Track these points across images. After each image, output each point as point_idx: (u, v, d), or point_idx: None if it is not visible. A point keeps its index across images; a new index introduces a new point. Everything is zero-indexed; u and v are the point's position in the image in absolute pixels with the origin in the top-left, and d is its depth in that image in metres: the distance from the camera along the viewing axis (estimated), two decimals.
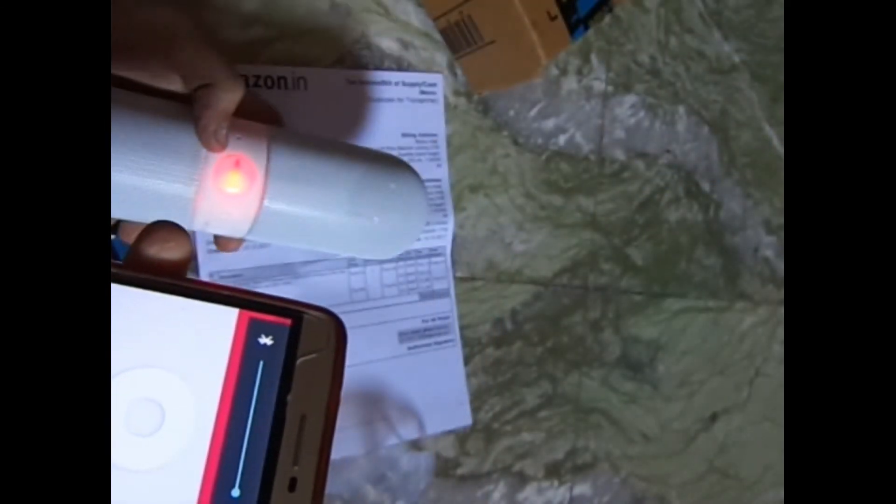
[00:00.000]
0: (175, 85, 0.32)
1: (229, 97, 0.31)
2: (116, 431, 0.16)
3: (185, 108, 0.31)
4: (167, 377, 0.16)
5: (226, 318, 0.17)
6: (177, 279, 0.17)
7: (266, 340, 0.17)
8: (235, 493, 0.16)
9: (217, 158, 0.31)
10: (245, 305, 0.17)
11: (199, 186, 0.30)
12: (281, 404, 0.17)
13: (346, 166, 0.34)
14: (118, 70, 0.31)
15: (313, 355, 0.18)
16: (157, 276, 0.17)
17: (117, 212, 0.30)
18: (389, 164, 0.36)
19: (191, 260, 0.18)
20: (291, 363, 0.17)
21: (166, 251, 0.17)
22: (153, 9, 0.31)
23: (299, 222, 0.33)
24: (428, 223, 0.48)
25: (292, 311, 0.18)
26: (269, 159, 0.32)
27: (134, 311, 0.16)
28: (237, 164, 0.31)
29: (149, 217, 0.21)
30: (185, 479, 0.16)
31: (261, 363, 0.17)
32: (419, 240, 0.47)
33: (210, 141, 0.30)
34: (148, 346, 0.16)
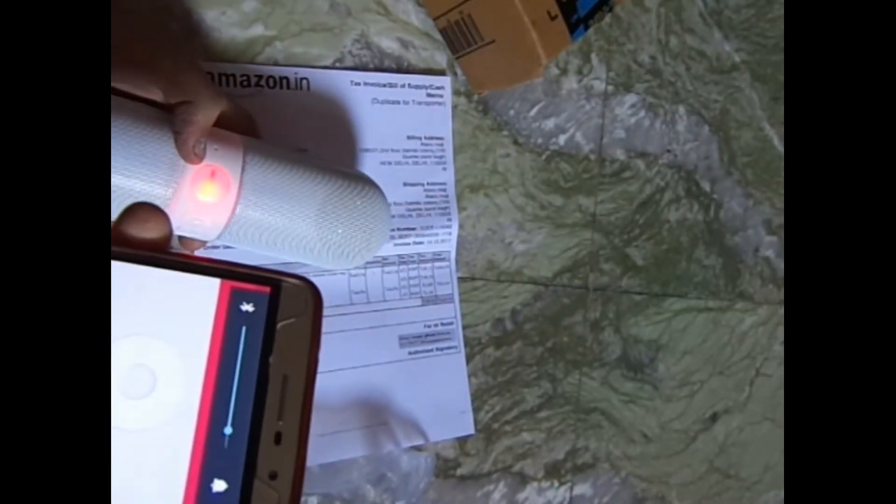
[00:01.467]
0: (157, 95, 0.33)
1: (208, 115, 0.32)
2: (113, 396, 0.17)
3: (165, 117, 0.32)
4: (157, 344, 0.18)
5: (209, 288, 0.18)
6: (160, 253, 0.18)
7: (247, 307, 0.19)
8: (225, 446, 0.17)
9: (193, 168, 0.32)
10: (226, 275, 0.19)
11: (175, 192, 0.32)
12: (264, 366, 0.18)
13: (316, 181, 0.36)
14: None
15: (292, 319, 0.19)
16: (142, 251, 0.18)
17: None
18: (357, 181, 0.38)
19: (170, 238, 0.19)
20: (272, 328, 0.19)
21: (147, 231, 0.18)
22: (136, 24, 0.32)
23: (267, 232, 0.35)
24: (431, 227, 0.48)
25: (271, 279, 0.19)
26: (243, 171, 0.34)
27: (123, 285, 0.17)
28: (213, 174, 0.33)
29: None
30: (178, 436, 0.17)
31: (243, 329, 0.18)
32: (421, 243, 0.47)
33: (189, 155, 0.32)
34: (138, 317, 0.18)
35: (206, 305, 0.18)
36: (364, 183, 0.38)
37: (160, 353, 0.18)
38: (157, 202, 0.31)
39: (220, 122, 0.34)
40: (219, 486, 0.17)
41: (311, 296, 0.19)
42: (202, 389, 0.18)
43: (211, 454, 0.17)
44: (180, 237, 0.36)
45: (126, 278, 0.18)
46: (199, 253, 0.39)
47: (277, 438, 0.18)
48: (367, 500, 0.47)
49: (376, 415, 0.46)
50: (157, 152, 0.31)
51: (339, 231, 0.36)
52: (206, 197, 0.33)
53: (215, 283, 0.19)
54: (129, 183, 0.31)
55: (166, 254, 0.18)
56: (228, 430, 0.18)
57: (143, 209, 0.18)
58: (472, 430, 0.49)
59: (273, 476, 0.18)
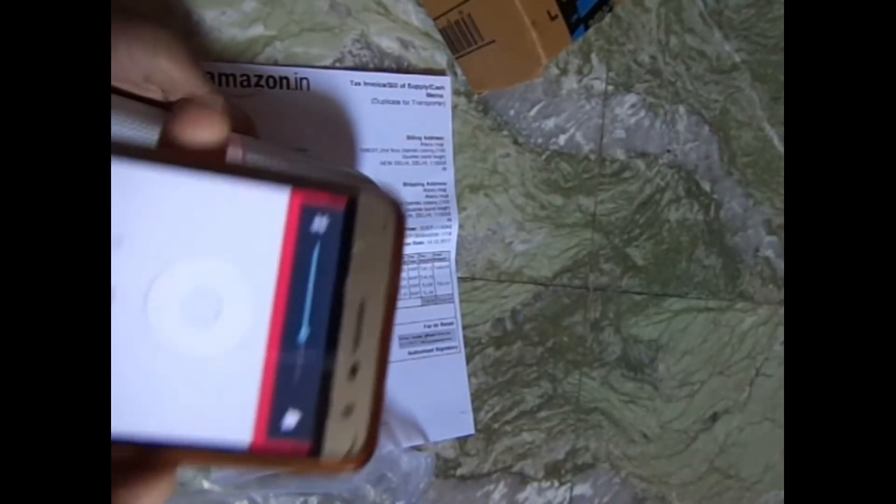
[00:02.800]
0: (156, 94, 0.33)
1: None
2: (174, 321, 0.16)
3: (162, 114, 0.32)
4: (220, 265, 0.16)
5: (276, 202, 0.16)
6: (217, 161, 0.16)
7: (320, 224, 0.17)
8: (297, 378, 0.16)
9: None
10: (296, 187, 0.16)
11: None
12: (339, 290, 0.17)
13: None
14: None
15: (371, 238, 0.17)
16: (197, 160, 0.16)
17: None
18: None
19: (227, 143, 0.17)
20: (348, 247, 0.17)
21: (199, 133, 0.16)
22: (134, 23, 0.32)
23: None
24: (431, 227, 0.48)
25: (347, 191, 0.17)
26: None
27: (178, 198, 0.16)
28: None
29: None
30: (247, 365, 0.16)
31: (316, 248, 0.17)
32: (421, 243, 0.47)
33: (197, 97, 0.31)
34: (198, 235, 0.16)
35: (274, 222, 0.16)
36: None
37: (225, 274, 0.16)
38: None
39: None
40: (290, 420, 0.16)
41: (393, 211, 0.17)
42: (272, 315, 0.16)
43: (282, 386, 0.16)
44: None
45: (179, 190, 0.16)
46: None
47: (354, 370, 0.16)
48: (367, 500, 0.47)
49: None
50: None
51: None
52: None
53: (284, 196, 0.16)
54: None
55: (224, 162, 0.16)
56: (301, 359, 0.16)
57: (194, 106, 0.16)
58: (472, 431, 0.49)
59: (349, 410, 0.16)
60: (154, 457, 0.15)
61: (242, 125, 0.37)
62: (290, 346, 0.16)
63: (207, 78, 0.34)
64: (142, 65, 0.32)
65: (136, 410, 0.15)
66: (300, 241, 0.16)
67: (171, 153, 0.16)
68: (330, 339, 0.16)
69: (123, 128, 0.31)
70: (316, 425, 0.16)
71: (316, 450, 0.16)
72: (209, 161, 0.16)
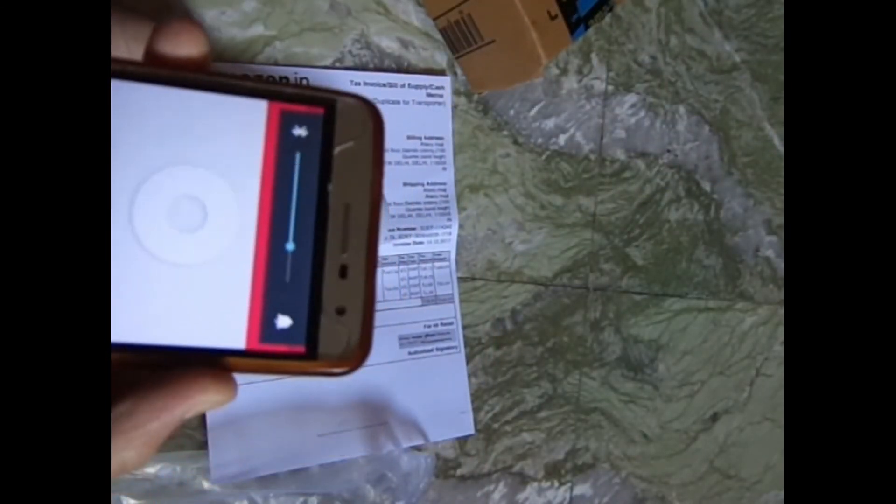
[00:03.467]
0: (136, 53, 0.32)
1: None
2: (160, 228, 0.16)
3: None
4: (204, 173, 0.16)
5: (256, 111, 0.17)
6: (198, 73, 0.17)
7: (300, 131, 0.17)
8: (287, 280, 0.16)
9: None
10: (274, 97, 0.17)
11: None
12: (323, 194, 0.17)
13: None
14: None
15: (350, 143, 0.17)
16: (179, 73, 0.16)
17: None
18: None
19: (209, 56, 0.17)
20: (329, 152, 0.17)
21: (181, 47, 0.16)
22: (133, 19, 0.32)
23: None
24: (431, 227, 0.48)
25: (324, 98, 0.17)
26: None
27: (159, 109, 0.16)
28: None
29: None
30: (236, 270, 0.16)
31: (297, 154, 0.17)
32: (421, 243, 0.47)
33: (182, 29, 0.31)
34: (180, 144, 0.16)
35: (255, 130, 0.17)
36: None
37: (208, 182, 0.16)
38: None
39: None
40: (283, 321, 0.16)
41: (370, 115, 0.18)
42: (257, 220, 0.16)
43: (272, 288, 0.16)
44: None
45: (161, 102, 0.16)
46: None
47: (343, 272, 0.17)
48: (367, 500, 0.47)
49: (376, 415, 0.46)
50: None
51: None
52: None
53: (262, 104, 0.17)
54: None
55: (205, 73, 0.17)
56: (289, 262, 0.16)
57: (176, 22, 0.16)
58: (472, 431, 0.49)
59: (341, 311, 0.17)
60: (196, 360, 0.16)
61: None
62: (277, 250, 0.16)
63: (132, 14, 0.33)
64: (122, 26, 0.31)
65: (128, 318, 0.15)
66: (281, 148, 0.17)
67: (154, 67, 0.16)
68: (317, 243, 0.17)
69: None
70: (309, 327, 0.16)
71: (311, 351, 0.16)
72: (191, 74, 0.16)
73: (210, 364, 0.16)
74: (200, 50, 0.16)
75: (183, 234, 0.16)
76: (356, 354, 0.17)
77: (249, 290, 0.16)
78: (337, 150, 0.17)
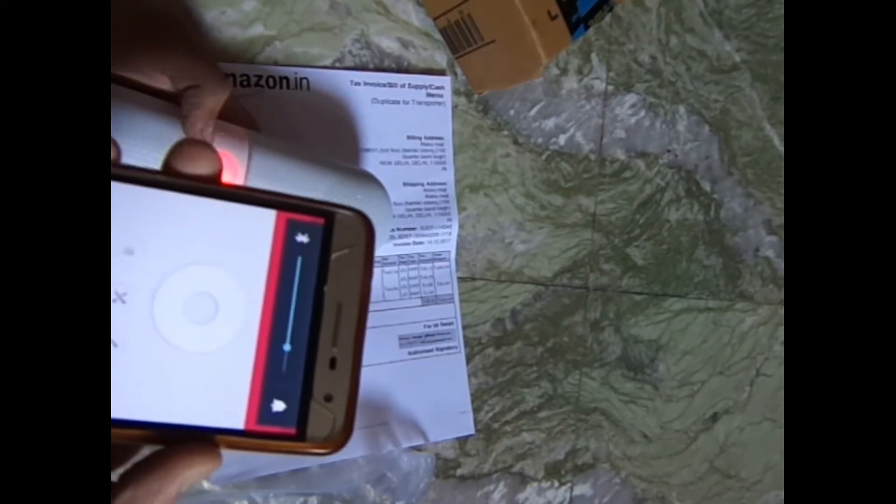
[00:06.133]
0: (164, 84, 0.33)
1: (216, 98, 0.33)
2: (177, 320, 0.18)
3: (172, 106, 0.33)
4: (218, 273, 0.18)
5: (266, 219, 0.19)
6: (215, 186, 0.19)
7: (303, 238, 0.19)
8: (283, 370, 0.18)
9: None
10: (282, 207, 0.19)
11: None
12: (319, 294, 0.19)
13: (319, 173, 0.36)
14: (113, 69, 0.32)
15: (345, 250, 0.20)
16: (196, 186, 0.18)
17: None
18: (359, 176, 0.38)
19: (221, 172, 0.19)
20: (326, 257, 0.19)
21: (198, 166, 0.18)
22: (144, 12, 0.32)
23: None
24: (431, 227, 0.48)
25: (325, 210, 0.20)
26: (250, 158, 0.34)
27: (183, 215, 0.18)
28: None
29: None
30: (240, 359, 0.18)
31: (299, 258, 0.19)
32: (421, 243, 0.47)
33: (197, 137, 0.32)
34: (200, 247, 0.18)
35: (264, 236, 0.19)
36: (365, 177, 0.39)
37: (221, 280, 0.18)
38: None
39: (222, 117, 0.35)
40: (278, 405, 0.18)
41: (363, 227, 0.20)
42: (261, 315, 0.18)
43: (270, 376, 0.18)
44: None
45: (186, 209, 0.18)
46: None
47: (332, 363, 0.19)
48: (367, 500, 0.47)
49: (376, 415, 0.46)
50: (163, 139, 0.31)
51: None
52: None
53: (271, 214, 0.19)
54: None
55: (223, 185, 0.19)
56: (286, 353, 0.18)
57: (192, 146, 0.18)
58: (472, 431, 0.49)
59: (328, 398, 0.19)
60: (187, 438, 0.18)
61: (245, 120, 0.37)
62: (277, 342, 0.19)
63: (215, 63, 0.34)
64: (149, 53, 0.32)
65: (144, 399, 0.17)
66: (286, 253, 0.19)
67: (174, 179, 0.18)
68: (312, 337, 0.19)
69: (135, 119, 0.31)
70: (300, 412, 0.18)
71: (300, 433, 0.18)
72: (207, 186, 0.18)
73: (207, 441, 0.18)
74: (214, 168, 0.19)
75: (197, 326, 0.18)
76: (340, 437, 0.19)
77: (250, 378, 0.18)
78: (334, 256, 0.20)
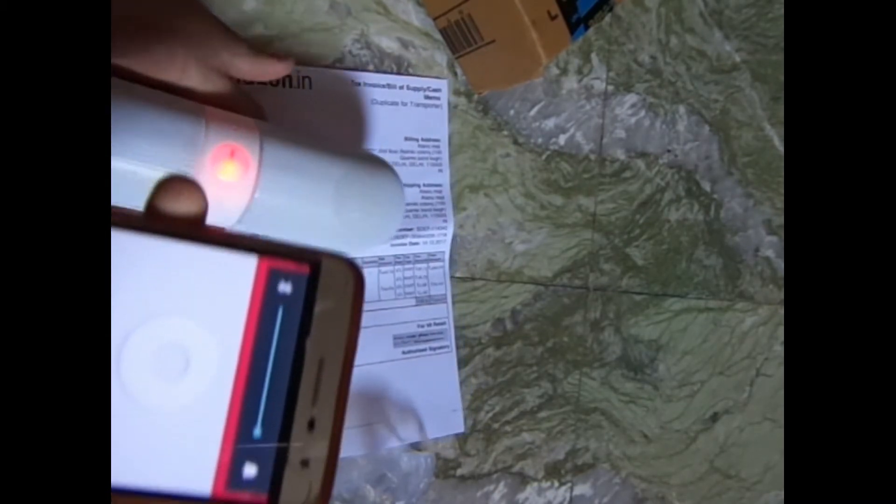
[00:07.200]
0: (172, 75, 0.33)
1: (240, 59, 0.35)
2: (144, 375, 0.16)
3: (181, 99, 0.32)
4: (191, 324, 0.17)
5: (245, 266, 0.17)
6: (195, 229, 0.17)
7: (285, 287, 0.18)
8: (257, 431, 0.17)
9: (213, 147, 0.32)
10: (264, 253, 0.18)
11: (196, 173, 0.31)
12: (300, 349, 0.18)
13: (332, 162, 0.35)
14: (122, 58, 0.31)
15: (331, 301, 0.18)
16: (175, 228, 0.17)
17: (114, 198, 0.30)
18: (372, 163, 0.37)
19: (206, 213, 0.18)
20: (310, 309, 0.18)
21: (180, 205, 0.17)
22: (185, 8, 0.32)
23: (287, 213, 0.34)
24: (427, 228, 0.48)
25: (310, 258, 0.18)
26: (262, 150, 0.33)
27: (155, 261, 0.17)
28: (232, 153, 0.32)
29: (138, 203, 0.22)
30: (211, 418, 0.17)
31: (280, 309, 0.18)
32: (416, 244, 0.47)
33: (275, 63, 0.36)
34: (171, 295, 0.17)
35: (243, 284, 0.17)
36: (379, 165, 0.38)
37: (194, 333, 0.17)
38: None
39: (231, 108, 0.34)
40: (249, 470, 0.17)
41: (352, 277, 0.18)
42: (236, 371, 0.17)
43: (243, 437, 0.17)
44: None
45: (158, 254, 0.17)
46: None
47: (311, 424, 0.17)
48: (367, 500, 0.47)
49: (370, 413, 0.46)
50: (176, 134, 0.31)
51: (356, 214, 0.36)
52: (226, 177, 0.32)
53: (252, 261, 0.18)
54: (145, 167, 0.30)
55: (202, 229, 0.17)
56: (262, 413, 0.17)
57: (176, 182, 0.17)
58: (462, 429, 0.49)
59: (305, 463, 0.17)
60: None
61: (253, 112, 0.37)
62: (251, 401, 0.17)
63: (233, 33, 0.35)
64: (195, 45, 0.33)
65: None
66: (266, 303, 0.18)
67: (151, 221, 0.17)
68: (290, 396, 0.17)
69: (163, 120, 0.31)
70: (273, 478, 0.17)
71: (272, 501, 0.17)
72: (188, 229, 0.17)
73: None
74: (199, 208, 0.17)
75: (164, 381, 0.17)
76: None
77: (221, 439, 0.17)
78: (318, 308, 0.18)
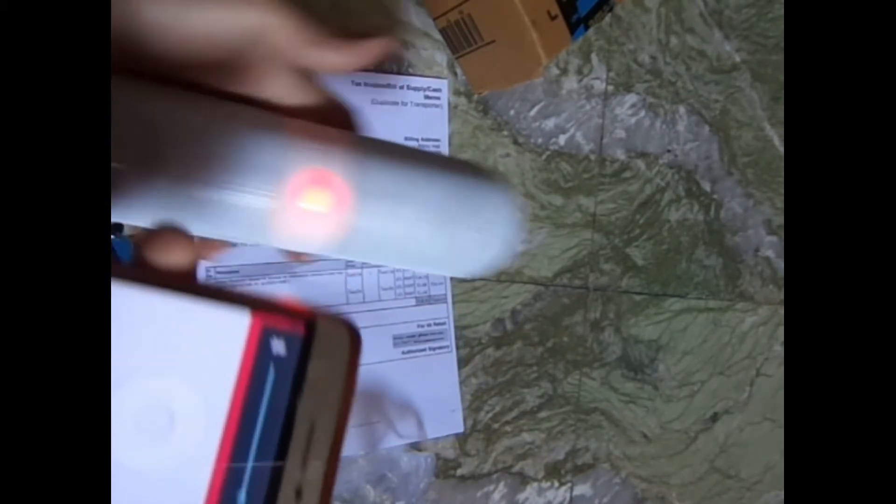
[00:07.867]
0: (251, 87, 0.27)
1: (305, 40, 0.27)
2: (126, 435, 0.16)
3: (259, 113, 0.27)
4: (177, 383, 0.16)
5: (238, 324, 0.17)
6: (185, 282, 0.17)
7: (278, 347, 0.17)
8: (242, 498, 0.16)
9: (299, 172, 0.27)
10: (257, 311, 0.17)
11: (280, 203, 0.27)
12: (291, 411, 0.17)
13: (433, 179, 0.30)
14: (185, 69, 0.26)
15: (326, 363, 0.17)
16: (165, 281, 0.16)
17: (198, 229, 0.27)
18: (477, 175, 0.32)
19: (196, 267, 0.17)
20: (303, 371, 0.17)
21: (170, 257, 0.16)
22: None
23: (386, 240, 0.30)
24: None
25: (306, 317, 0.17)
26: (356, 173, 0.28)
27: (142, 315, 0.16)
28: (321, 179, 0.28)
29: (226, 234, 0.21)
30: (193, 482, 0.16)
31: (272, 369, 0.17)
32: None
33: (373, 42, 0.28)
34: (158, 351, 0.16)
35: (234, 343, 0.17)
36: (484, 176, 0.32)
37: (180, 392, 0.16)
38: (259, 215, 0.26)
39: (315, 117, 0.29)
40: None
41: (349, 339, 0.18)
42: (222, 434, 0.16)
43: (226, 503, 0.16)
44: (289, 252, 0.31)
45: (146, 308, 0.16)
46: (230, 252, 0.36)
47: (298, 493, 0.17)
48: (367, 500, 0.47)
49: (369, 413, 0.46)
50: (257, 157, 0.26)
51: (464, 229, 0.31)
52: (315, 206, 0.28)
53: (245, 318, 0.17)
54: (231, 195, 0.26)
55: (193, 282, 0.17)
56: (246, 479, 0.16)
57: (167, 233, 0.16)
58: (461, 429, 0.49)
59: None
60: None
61: (342, 119, 0.30)
62: (237, 466, 0.16)
63: (325, 35, 0.28)
64: (251, 20, 0.25)
65: None
66: (257, 363, 0.17)
67: (139, 272, 0.16)
68: (278, 460, 0.17)
69: (237, 141, 0.26)
70: None
71: None
72: (176, 282, 0.16)
73: None
74: (189, 260, 0.17)
75: (147, 442, 0.16)
76: None
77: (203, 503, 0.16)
78: (311, 369, 0.17)
